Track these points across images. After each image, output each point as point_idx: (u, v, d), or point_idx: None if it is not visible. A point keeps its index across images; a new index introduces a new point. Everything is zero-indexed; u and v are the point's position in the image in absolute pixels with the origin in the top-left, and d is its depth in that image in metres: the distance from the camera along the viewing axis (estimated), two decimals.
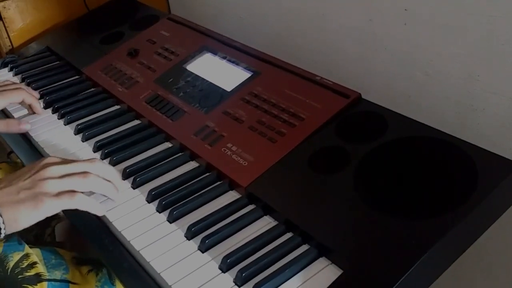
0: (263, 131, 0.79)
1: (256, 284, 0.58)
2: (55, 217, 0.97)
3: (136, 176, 0.77)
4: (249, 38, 1.12)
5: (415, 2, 0.86)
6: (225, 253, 0.63)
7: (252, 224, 0.68)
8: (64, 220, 0.99)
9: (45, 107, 1.00)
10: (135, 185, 0.77)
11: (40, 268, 0.72)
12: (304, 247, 0.64)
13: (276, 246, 0.64)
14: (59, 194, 0.66)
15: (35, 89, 1.04)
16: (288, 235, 0.66)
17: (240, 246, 0.64)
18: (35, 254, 0.73)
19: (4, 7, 1.23)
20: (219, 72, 0.94)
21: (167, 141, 0.86)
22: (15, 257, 0.71)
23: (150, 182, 0.77)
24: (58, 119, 0.96)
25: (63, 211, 0.69)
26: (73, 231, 0.99)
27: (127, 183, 0.77)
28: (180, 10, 1.44)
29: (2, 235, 0.63)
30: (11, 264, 0.70)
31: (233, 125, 0.82)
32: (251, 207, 0.71)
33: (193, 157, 0.81)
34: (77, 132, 0.91)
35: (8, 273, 0.69)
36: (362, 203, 0.64)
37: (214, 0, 1.32)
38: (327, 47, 1.06)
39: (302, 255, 0.62)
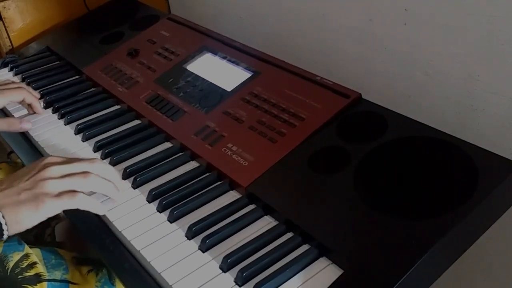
0: (264, 131, 0.79)
1: (256, 284, 0.59)
2: (55, 217, 0.97)
3: (136, 176, 0.77)
4: (249, 38, 1.12)
5: (415, 2, 0.86)
6: (225, 253, 0.63)
7: (252, 224, 0.68)
8: (64, 220, 0.99)
9: (45, 107, 1.00)
10: (135, 185, 0.77)
11: (40, 268, 0.72)
12: (304, 247, 0.64)
13: (277, 246, 0.64)
14: (59, 194, 0.66)
15: (35, 89, 1.04)
16: (289, 235, 0.66)
17: (241, 246, 0.64)
18: (35, 254, 0.73)
19: (4, 7, 1.23)
20: (219, 72, 0.94)
21: (167, 141, 0.86)
22: (15, 257, 0.71)
23: (150, 182, 0.77)
24: (58, 119, 0.96)
25: (64, 211, 0.69)
26: (73, 231, 0.99)
27: (128, 183, 0.77)
28: (180, 10, 1.45)
29: (5, 237, 0.63)
30: (11, 264, 0.70)
31: (234, 125, 0.82)
32: (251, 207, 0.71)
33: (193, 157, 0.82)
34: (77, 132, 0.91)
35: (8, 273, 0.69)
36: (362, 203, 0.64)
37: (214, 0, 1.32)
38: (327, 47, 1.06)
39: (303, 255, 0.62)
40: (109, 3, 1.34)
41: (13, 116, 0.98)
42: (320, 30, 1.06)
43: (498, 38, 0.76)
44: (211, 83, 0.92)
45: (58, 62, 1.17)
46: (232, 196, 0.74)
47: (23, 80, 1.10)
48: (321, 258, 0.62)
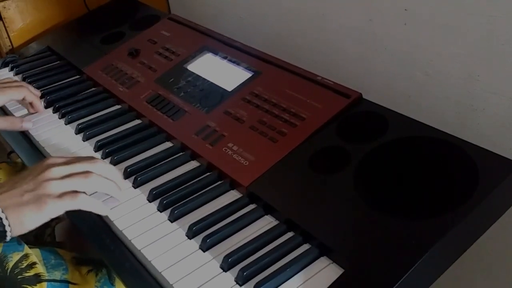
0: (264, 131, 0.79)
1: (257, 283, 0.59)
2: (55, 217, 0.97)
3: (137, 175, 0.77)
4: (249, 38, 1.12)
5: (415, 2, 0.86)
6: (226, 252, 0.64)
7: (253, 224, 0.68)
8: (64, 220, 0.99)
9: (46, 107, 1.00)
10: (136, 185, 0.77)
11: (40, 269, 0.72)
12: (305, 247, 0.64)
13: (277, 246, 0.64)
14: (62, 195, 0.66)
15: (36, 88, 1.04)
16: (289, 234, 0.66)
17: (241, 245, 0.64)
18: (34, 255, 0.73)
19: (4, 7, 1.23)
20: (220, 72, 0.95)
21: (168, 141, 0.86)
22: (15, 257, 0.71)
23: (151, 182, 0.77)
24: (59, 118, 0.96)
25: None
26: (73, 231, 0.99)
27: (128, 183, 0.78)
28: (180, 10, 1.45)
29: (8, 238, 0.63)
30: (11, 264, 0.70)
31: (234, 125, 0.82)
32: (252, 206, 0.71)
33: (194, 156, 0.82)
34: (77, 131, 0.91)
35: (8, 274, 0.69)
36: (362, 203, 0.64)
37: (214, 0, 1.32)
38: (327, 47, 1.06)
39: (303, 255, 0.62)
40: (109, 3, 1.35)
41: (13, 116, 0.98)
42: (320, 30, 1.06)
43: (498, 38, 0.77)
44: (211, 83, 0.92)
45: (58, 62, 1.17)
46: (232, 195, 0.74)
47: (23, 79, 1.10)
48: (321, 258, 0.62)
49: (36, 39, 1.29)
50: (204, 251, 0.65)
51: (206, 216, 0.69)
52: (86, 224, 0.73)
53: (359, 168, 0.69)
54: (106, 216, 0.72)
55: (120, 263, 0.67)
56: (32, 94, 0.95)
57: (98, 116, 0.95)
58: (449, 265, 0.61)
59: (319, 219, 0.65)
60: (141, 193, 0.75)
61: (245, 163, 0.75)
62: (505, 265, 0.93)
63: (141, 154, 0.84)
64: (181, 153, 0.83)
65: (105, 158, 0.84)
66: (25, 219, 0.63)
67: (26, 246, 0.74)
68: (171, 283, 0.61)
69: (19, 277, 0.70)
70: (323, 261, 0.62)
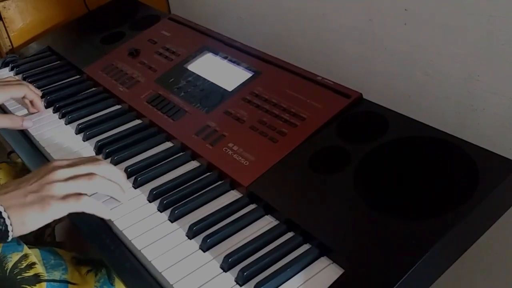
0: (264, 131, 0.79)
1: (257, 283, 0.59)
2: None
3: (137, 175, 0.77)
4: (249, 38, 1.12)
5: (415, 2, 0.86)
6: (226, 252, 0.64)
7: (253, 224, 0.68)
8: (64, 220, 0.99)
9: (46, 107, 1.00)
10: (136, 185, 0.77)
11: (39, 269, 0.72)
12: (305, 247, 0.64)
13: (277, 246, 0.64)
14: (65, 197, 0.66)
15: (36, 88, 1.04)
16: (289, 234, 0.66)
17: (241, 246, 0.64)
18: (34, 255, 0.73)
19: (4, 7, 1.23)
20: (220, 72, 0.95)
21: (168, 141, 0.87)
22: (14, 257, 0.71)
23: (151, 182, 0.77)
24: (59, 118, 0.96)
25: None
26: (73, 231, 0.99)
27: (128, 183, 0.77)
28: (180, 10, 1.45)
29: (10, 238, 0.63)
30: (10, 264, 0.70)
31: (234, 125, 0.82)
32: (252, 206, 0.71)
33: (194, 156, 0.82)
34: (78, 131, 0.91)
35: (7, 274, 0.70)
36: (362, 203, 0.64)
37: (214, 0, 1.32)
38: (327, 47, 1.06)
39: (303, 255, 0.62)
40: (109, 3, 1.35)
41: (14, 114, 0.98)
42: (320, 30, 1.06)
43: (498, 38, 0.77)
44: (212, 83, 0.92)
45: (58, 62, 1.17)
46: (232, 195, 0.74)
47: (24, 79, 1.10)
48: (321, 258, 0.62)
49: (36, 39, 1.29)
50: (204, 251, 0.65)
51: (206, 216, 0.69)
52: (86, 224, 0.73)
53: (359, 168, 0.69)
54: None
55: (120, 263, 0.67)
56: (32, 92, 0.96)
57: (98, 116, 0.95)
58: (449, 265, 0.61)
59: (319, 219, 0.65)
60: (141, 193, 0.75)
61: (245, 163, 0.75)
62: (505, 265, 0.93)
63: (141, 154, 0.84)
64: (181, 153, 0.83)
65: (105, 158, 0.84)
66: (28, 220, 0.64)
67: (25, 246, 0.74)
68: (171, 283, 0.61)
69: (18, 277, 0.70)
70: (323, 261, 0.62)
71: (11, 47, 1.27)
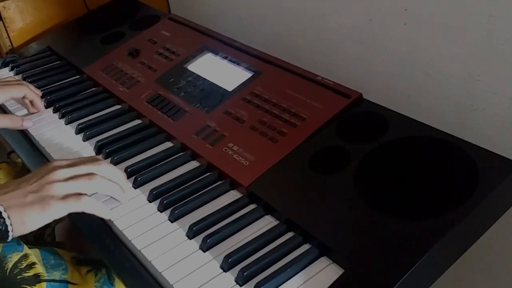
0: (264, 131, 0.79)
1: (257, 283, 0.59)
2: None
3: (137, 175, 0.77)
4: (249, 38, 1.12)
5: (415, 2, 0.86)
6: (226, 252, 0.64)
7: (253, 224, 0.68)
8: (64, 220, 0.99)
9: (46, 107, 1.00)
10: (136, 185, 0.77)
11: (39, 269, 0.72)
12: (305, 247, 0.64)
13: (277, 246, 0.64)
14: (65, 197, 0.66)
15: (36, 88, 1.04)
16: (289, 234, 0.66)
17: (241, 246, 0.64)
18: (34, 255, 0.73)
19: (4, 7, 1.23)
20: (220, 72, 0.95)
21: (168, 141, 0.86)
22: (14, 257, 0.71)
23: (151, 182, 0.77)
24: (59, 118, 0.96)
25: None
26: (73, 231, 0.99)
27: (128, 183, 0.77)
28: (180, 10, 1.45)
29: (10, 238, 0.63)
30: (10, 264, 0.70)
31: (234, 125, 0.82)
32: (252, 206, 0.71)
33: (194, 156, 0.82)
34: (78, 131, 0.91)
35: (7, 274, 0.70)
36: (362, 203, 0.64)
37: (214, 0, 1.32)
38: (327, 47, 1.06)
39: (303, 255, 0.62)
40: (109, 3, 1.35)
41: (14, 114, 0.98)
42: (320, 30, 1.06)
43: (498, 38, 0.77)
44: (212, 83, 0.92)
45: (58, 62, 1.17)
46: (232, 195, 0.74)
47: (24, 79, 1.10)
48: (321, 258, 0.62)
49: (36, 39, 1.29)
50: (204, 251, 0.65)
51: (206, 216, 0.69)
52: (86, 224, 0.73)
53: (359, 168, 0.69)
54: None
55: (120, 263, 0.67)
56: (32, 92, 0.96)
57: (98, 116, 0.95)
58: (449, 265, 0.61)
59: (319, 219, 0.65)
60: (141, 193, 0.75)
61: (245, 163, 0.75)
62: (505, 265, 0.93)
63: (141, 154, 0.84)
64: (181, 153, 0.83)
65: (105, 158, 0.84)
66: (28, 220, 0.64)
67: (25, 246, 0.74)
68: (171, 283, 0.61)
69: (18, 277, 0.70)
70: (323, 261, 0.62)
71: (11, 47, 1.27)
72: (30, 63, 1.17)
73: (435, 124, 0.72)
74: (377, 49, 0.95)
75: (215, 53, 0.99)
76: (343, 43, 1.02)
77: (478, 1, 0.77)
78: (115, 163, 0.81)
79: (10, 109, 1.00)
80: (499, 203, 0.64)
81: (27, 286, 0.70)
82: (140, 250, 0.66)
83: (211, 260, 0.64)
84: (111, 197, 0.73)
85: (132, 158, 0.83)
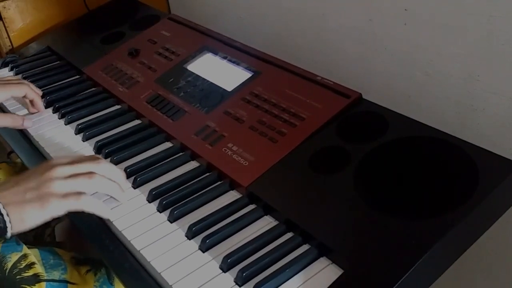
0: (264, 131, 0.79)
1: (256, 283, 0.59)
2: (55, 218, 0.97)
3: (136, 176, 0.77)
4: (249, 38, 1.12)
5: (415, 2, 0.86)
6: (225, 252, 0.63)
7: (252, 224, 0.68)
8: (64, 220, 0.99)
9: (46, 107, 1.00)
10: (135, 185, 0.77)
11: (39, 269, 0.72)
12: (304, 247, 0.64)
13: (277, 246, 0.64)
14: (65, 195, 0.66)
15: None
16: (289, 235, 0.66)
17: (241, 246, 0.64)
18: (33, 255, 0.73)
19: (4, 7, 1.23)
20: (220, 72, 0.94)
21: (167, 141, 0.86)
22: (13, 257, 0.71)
23: (150, 182, 0.77)
24: (59, 118, 0.96)
25: None
26: (73, 231, 0.99)
27: (128, 183, 0.77)
28: (180, 10, 1.45)
29: (9, 235, 0.63)
30: (9, 264, 0.70)
31: (234, 125, 0.82)
32: (251, 207, 0.71)
33: (193, 157, 0.82)
34: (77, 131, 0.91)
35: (6, 274, 0.69)
36: (362, 203, 0.64)
37: (214, 0, 1.32)
38: (327, 47, 1.06)
39: (303, 255, 0.62)
40: (109, 3, 1.35)
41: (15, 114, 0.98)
42: (320, 30, 1.06)
43: (498, 38, 0.76)
44: (211, 83, 0.92)
45: (58, 62, 1.17)
46: (232, 196, 0.74)
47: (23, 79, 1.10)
48: (321, 258, 0.62)
49: (36, 39, 1.29)
50: (203, 252, 0.65)
51: (206, 216, 0.69)
52: (86, 224, 0.73)
53: (359, 168, 0.69)
54: None
55: (119, 263, 0.67)
56: (33, 91, 0.96)
57: (98, 116, 0.94)
58: (449, 265, 0.61)
59: (319, 219, 0.65)
60: (141, 194, 0.75)
61: (245, 163, 0.75)
62: (505, 265, 0.93)
63: (140, 154, 0.84)
64: (181, 153, 0.83)
65: (105, 158, 0.84)
66: (26, 217, 0.64)
67: (24, 246, 0.74)
68: (170, 283, 0.61)
69: (17, 277, 0.70)
70: (322, 262, 0.62)
71: (11, 47, 1.27)
72: (30, 63, 1.17)
73: (435, 124, 0.72)
74: (377, 49, 0.95)
75: (215, 53, 0.99)
76: (343, 43, 1.02)
77: (478, 1, 0.77)
78: (115, 163, 0.81)
79: (10, 109, 1.00)
80: (499, 203, 0.64)
81: (26, 286, 0.69)
82: (139, 251, 0.66)
83: (211, 261, 0.64)
84: (111, 196, 0.73)
85: (132, 158, 0.83)
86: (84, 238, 0.74)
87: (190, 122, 0.86)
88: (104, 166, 0.72)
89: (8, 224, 0.62)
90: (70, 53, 1.17)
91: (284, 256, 0.63)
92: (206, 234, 0.66)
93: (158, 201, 0.73)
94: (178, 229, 0.69)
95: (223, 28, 1.14)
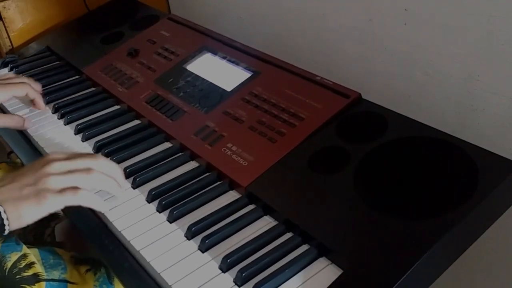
0: (263, 131, 0.79)
1: (256, 284, 0.58)
2: (55, 218, 0.97)
3: (136, 176, 0.77)
4: (249, 38, 1.12)
5: (415, 2, 0.86)
6: (225, 253, 0.63)
7: (252, 224, 0.68)
8: (64, 220, 0.99)
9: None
10: (135, 185, 0.77)
11: (38, 268, 0.71)
12: (304, 247, 0.64)
13: (276, 246, 0.64)
14: (62, 190, 0.66)
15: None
16: (288, 235, 0.66)
17: (240, 246, 0.64)
18: (33, 254, 0.73)
19: (4, 7, 1.23)
20: (219, 72, 0.94)
21: (167, 141, 0.86)
22: (13, 257, 0.71)
23: (150, 182, 0.77)
24: (58, 119, 0.96)
25: (63, 210, 0.69)
26: (73, 231, 0.99)
27: (127, 183, 0.77)
28: (180, 10, 1.45)
29: (7, 231, 0.62)
30: (9, 264, 0.70)
31: (233, 125, 0.82)
32: (251, 207, 0.71)
33: (193, 157, 0.81)
34: (77, 132, 0.91)
35: (6, 274, 0.69)
36: (362, 203, 0.64)
37: (214, 0, 1.32)
38: (327, 47, 1.06)
39: (302, 255, 0.62)
40: (109, 3, 1.34)
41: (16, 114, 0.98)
42: (320, 30, 1.06)
43: (498, 38, 0.76)
44: (211, 83, 0.92)
45: (58, 62, 1.17)
46: (231, 196, 0.74)
47: None
48: (320, 258, 0.62)
49: (36, 39, 1.29)
50: (203, 252, 0.65)
51: (205, 216, 0.69)
52: (86, 224, 0.73)
53: (359, 168, 0.69)
54: (106, 217, 0.72)
55: (119, 263, 0.67)
56: (33, 91, 0.95)
57: (97, 117, 0.94)
58: (449, 265, 0.61)
59: (318, 219, 0.65)
60: (140, 194, 0.75)
61: (244, 163, 0.75)
62: (505, 265, 0.92)
63: (140, 155, 0.84)
64: (180, 154, 0.82)
65: None
66: (24, 213, 0.63)
67: (24, 246, 0.73)
68: (170, 284, 0.61)
69: (17, 276, 0.70)
70: (322, 262, 0.62)
71: (11, 47, 1.27)
72: (29, 63, 1.17)
73: (435, 124, 0.72)
74: (377, 49, 0.95)
75: (214, 53, 0.99)
76: (343, 43, 1.02)
77: (478, 1, 0.77)
78: None
79: (10, 109, 0.99)
80: (499, 203, 0.64)
81: (26, 286, 0.69)
82: (138, 251, 0.66)
83: (210, 261, 0.64)
84: (109, 194, 0.73)
85: (131, 159, 0.83)
86: (84, 238, 0.74)
87: (189, 122, 0.86)
88: (101, 162, 0.72)
89: (5, 221, 0.62)
90: (70, 53, 1.17)
91: (284, 256, 0.63)
92: (206, 234, 0.66)
93: (157, 201, 0.73)
94: (178, 229, 0.69)
95: (223, 28, 1.14)
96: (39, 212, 0.64)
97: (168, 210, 0.71)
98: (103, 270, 0.78)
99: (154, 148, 0.85)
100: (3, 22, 1.23)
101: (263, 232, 0.66)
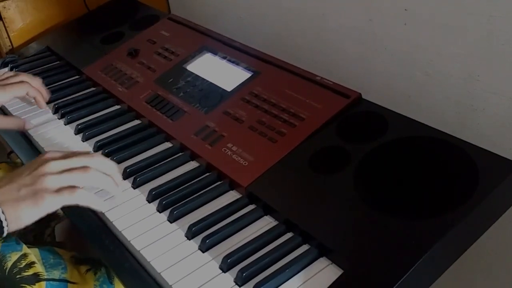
0: (264, 131, 0.79)
1: (256, 284, 0.59)
2: (55, 218, 0.97)
3: (136, 176, 0.77)
4: (249, 38, 1.12)
5: (415, 2, 0.86)
6: (225, 253, 0.63)
7: (252, 224, 0.68)
8: (64, 220, 0.99)
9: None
10: (135, 185, 0.77)
11: (39, 268, 0.72)
12: (304, 247, 0.64)
13: (277, 246, 0.64)
14: (59, 190, 0.65)
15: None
16: (289, 235, 0.66)
17: (241, 246, 0.64)
18: (33, 254, 0.73)
19: (4, 7, 1.23)
20: (219, 72, 0.94)
21: (167, 141, 0.86)
22: (13, 257, 0.71)
23: (150, 182, 0.77)
24: (58, 119, 0.96)
25: (63, 210, 0.69)
26: (73, 231, 0.99)
27: (128, 183, 0.77)
28: (180, 10, 1.45)
29: (5, 233, 0.62)
30: (9, 264, 0.70)
31: (234, 125, 0.82)
32: (251, 207, 0.71)
33: (193, 157, 0.82)
34: (77, 132, 0.91)
35: (6, 273, 0.69)
36: (362, 203, 0.64)
37: (214, 0, 1.32)
38: (327, 47, 1.06)
39: (303, 255, 0.62)
40: (109, 3, 1.34)
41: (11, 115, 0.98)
42: (320, 30, 1.06)
43: (498, 38, 0.76)
44: (211, 83, 0.92)
45: (58, 62, 1.17)
46: (232, 196, 0.74)
47: None
48: (321, 258, 0.62)
49: (36, 39, 1.29)
50: (203, 252, 0.65)
51: (206, 216, 0.69)
52: (86, 224, 0.73)
53: (359, 168, 0.69)
54: (106, 217, 0.72)
55: (119, 263, 0.67)
56: (34, 89, 0.94)
57: (97, 117, 0.94)
58: (449, 265, 0.61)
59: (318, 219, 0.65)
60: (141, 194, 0.75)
61: (245, 163, 0.75)
62: (505, 265, 0.93)
63: (140, 155, 0.84)
64: (181, 154, 0.82)
65: None
66: (22, 214, 0.63)
67: (24, 246, 0.74)
68: (170, 284, 0.61)
69: (17, 276, 0.70)
70: (322, 262, 0.62)
71: (11, 47, 1.27)
72: (29, 63, 1.17)
73: (435, 124, 0.72)
74: (377, 49, 0.95)
75: (214, 53, 0.99)
76: (343, 43, 1.02)
77: (478, 1, 0.77)
78: None
79: (10, 109, 1.00)
80: (499, 203, 0.64)
81: (26, 286, 0.69)
82: (139, 251, 0.66)
83: (210, 261, 0.64)
84: (105, 189, 0.72)
85: (131, 159, 0.83)
86: (84, 238, 0.74)
87: (189, 122, 0.86)
88: (98, 160, 0.71)
89: (4, 223, 0.62)
90: (70, 53, 1.17)
91: (284, 256, 0.63)
92: (206, 234, 0.66)
93: (158, 201, 0.73)
94: (178, 229, 0.69)
95: (223, 28, 1.14)
96: (37, 212, 0.64)
97: (168, 210, 0.71)
98: (103, 270, 0.79)
99: (154, 148, 0.85)
100: (3, 22, 1.24)
101: (264, 232, 0.66)
